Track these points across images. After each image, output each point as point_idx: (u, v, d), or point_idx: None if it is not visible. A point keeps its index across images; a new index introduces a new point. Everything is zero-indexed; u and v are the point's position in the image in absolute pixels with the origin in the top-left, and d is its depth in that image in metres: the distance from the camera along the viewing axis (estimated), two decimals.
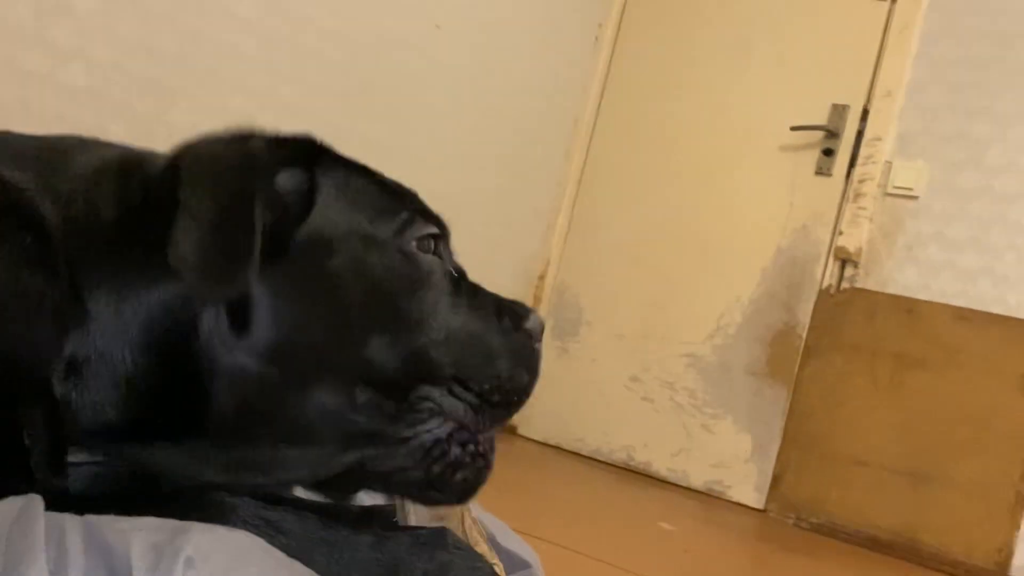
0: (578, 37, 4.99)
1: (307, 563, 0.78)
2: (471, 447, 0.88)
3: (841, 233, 4.28)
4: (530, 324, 0.94)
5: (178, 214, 0.74)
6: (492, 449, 0.92)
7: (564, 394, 4.84)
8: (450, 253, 0.96)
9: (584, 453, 4.75)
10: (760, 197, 4.51)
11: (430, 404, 0.86)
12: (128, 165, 0.85)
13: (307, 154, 0.87)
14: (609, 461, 4.68)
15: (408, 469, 0.86)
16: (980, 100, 4.08)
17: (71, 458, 0.80)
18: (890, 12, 4.30)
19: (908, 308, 4.13)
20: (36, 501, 0.68)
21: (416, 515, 0.92)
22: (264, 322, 0.79)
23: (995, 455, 3.89)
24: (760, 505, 4.31)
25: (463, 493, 0.90)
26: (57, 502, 0.77)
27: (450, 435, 0.87)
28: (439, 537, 0.88)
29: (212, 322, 0.79)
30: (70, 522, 0.64)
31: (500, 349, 0.90)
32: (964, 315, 4.03)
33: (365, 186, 0.89)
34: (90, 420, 0.79)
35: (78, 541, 0.63)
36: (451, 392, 0.87)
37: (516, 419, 4.85)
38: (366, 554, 0.84)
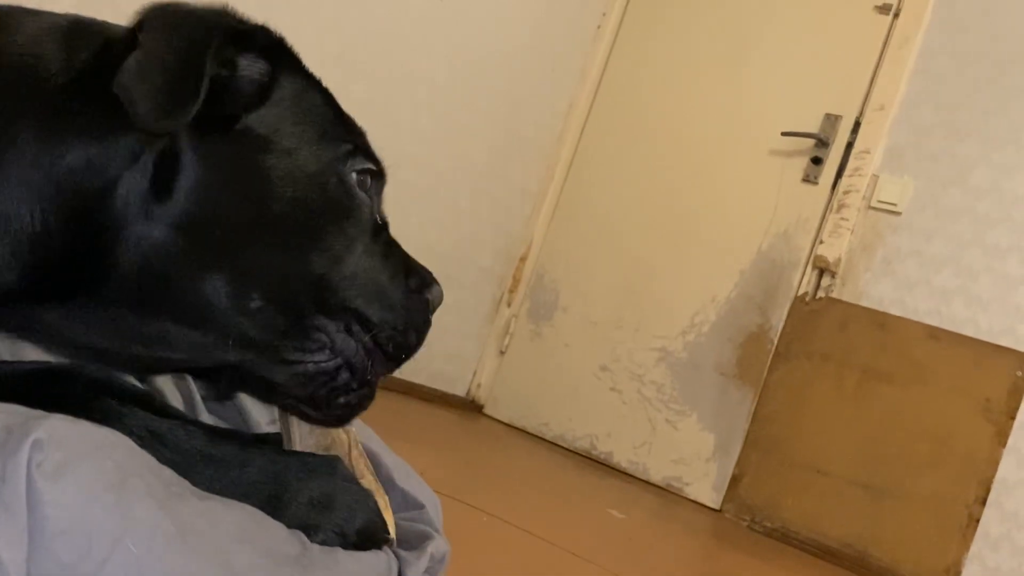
0: (581, 23, 4.99)
1: (188, 478, 0.78)
2: (358, 376, 0.88)
3: (822, 242, 4.29)
4: (431, 294, 0.94)
5: (134, 52, 0.75)
6: (376, 380, 0.92)
7: (533, 377, 4.86)
8: (380, 200, 0.96)
9: (547, 438, 4.76)
10: (745, 199, 4.51)
11: (323, 336, 0.85)
12: (80, 26, 0.85)
13: (275, 50, 0.87)
14: (572, 448, 4.69)
15: (290, 386, 0.86)
16: (971, 121, 4.09)
17: None
18: (892, 26, 4.30)
19: (881, 322, 4.14)
20: None
21: (302, 443, 0.92)
22: (184, 192, 0.79)
23: (952, 475, 3.90)
24: (716, 505, 4.32)
25: (342, 417, 0.90)
26: None
27: (337, 369, 0.87)
28: (328, 466, 0.88)
29: (134, 182, 0.78)
30: None
31: (400, 304, 0.90)
32: (935, 334, 4.04)
33: (321, 104, 0.88)
34: None
35: None
36: (348, 329, 0.86)
37: (483, 398, 4.87)
38: (252, 475, 0.84)
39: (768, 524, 4.17)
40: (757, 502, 4.24)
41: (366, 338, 0.87)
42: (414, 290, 0.92)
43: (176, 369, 0.89)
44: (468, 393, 4.95)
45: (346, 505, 0.88)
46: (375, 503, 0.90)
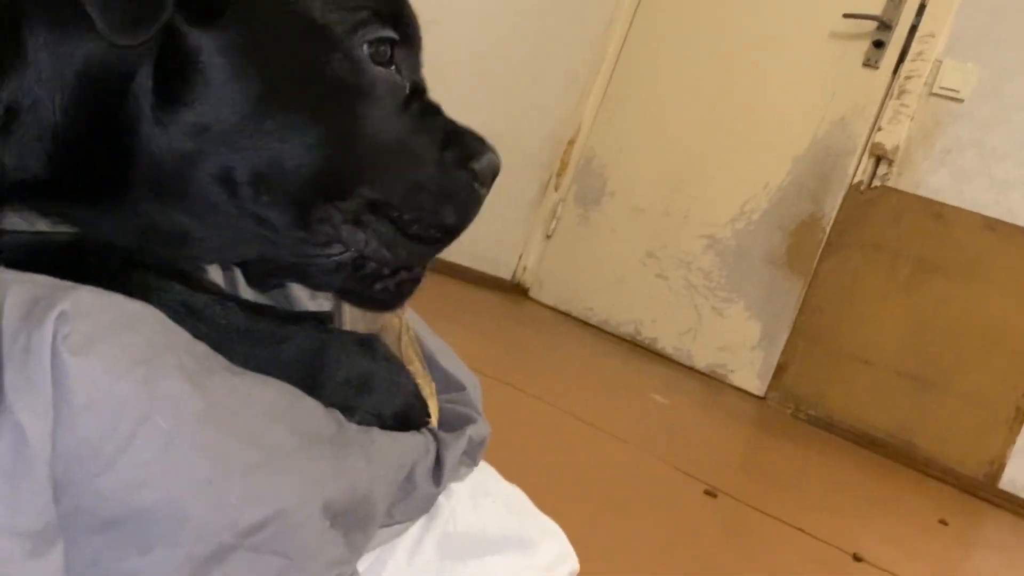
0: None
1: (223, 353, 0.76)
2: (383, 266, 0.82)
3: (880, 129, 4.17)
4: (479, 164, 0.85)
5: None
6: (416, 265, 0.86)
7: (579, 262, 4.83)
8: (413, 64, 0.88)
9: (592, 323, 4.75)
10: (802, 84, 4.38)
11: (328, 229, 0.79)
12: None
13: None
14: (616, 333, 4.68)
15: (319, 277, 0.82)
16: None
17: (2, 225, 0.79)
18: None
19: (936, 213, 4.04)
20: None
21: (352, 324, 0.90)
22: (189, 87, 0.75)
23: (1000, 368, 3.85)
24: (760, 393, 4.31)
25: (386, 303, 0.86)
26: None
27: (356, 260, 0.81)
28: (367, 345, 0.86)
29: (144, 77, 0.75)
30: None
31: (429, 180, 0.82)
32: (992, 226, 3.95)
33: None
34: (18, 174, 0.77)
35: None
36: (358, 220, 0.79)
37: (529, 282, 4.86)
38: (289, 352, 0.82)
39: (812, 412, 4.16)
40: (802, 391, 4.22)
41: (382, 226, 0.80)
42: (453, 163, 0.84)
43: (213, 264, 0.86)
44: (514, 276, 4.94)
45: (385, 387, 0.86)
46: (415, 386, 0.88)
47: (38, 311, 0.58)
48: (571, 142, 4.96)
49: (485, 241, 4.50)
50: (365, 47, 0.80)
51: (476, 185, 0.85)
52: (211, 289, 0.87)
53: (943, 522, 2.95)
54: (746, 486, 2.55)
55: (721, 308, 4.47)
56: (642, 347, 4.59)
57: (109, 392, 0.58)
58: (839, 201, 4.25)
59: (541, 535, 0.96)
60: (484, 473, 0.95)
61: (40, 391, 0.56)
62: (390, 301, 0.86)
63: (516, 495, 1.00)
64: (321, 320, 0.88)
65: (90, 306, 0.60)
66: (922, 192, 4.09)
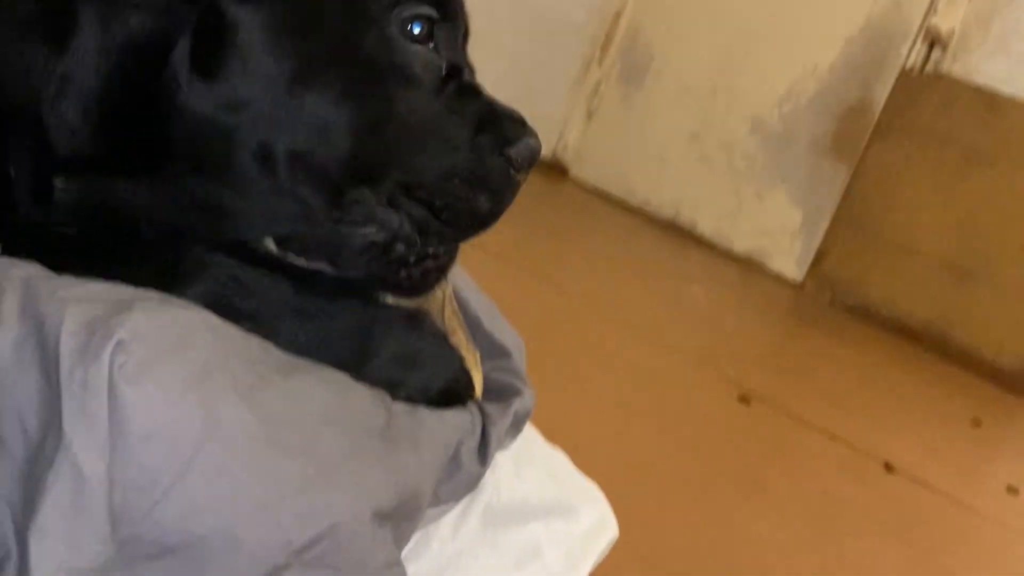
0: None
1: (272, 331, 0.76)
2: (414, 249, 0.81)
3: (936, 12, 4.04)
4: (515, 150, 0.81)
5: None
6: (447, 251, 0.85)
7: (621, 142, 4.77)
8: (454, 41, 0.85)
9: (632, 204, 4.71)
10: None
11: (363, 209, 0.77)
12: None
13: None
14: (655, 216, 4.65)
15: (349, 259, 0.82)
16: None
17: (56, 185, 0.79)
18: None
19: (989, 102, 3.93)
20: None
21: (394, 298, 0.90)
22: (225, 62, 0.74)
23: None
24: (799, 279, 4.30)
25: (410, 289, 0.85)
26: (37, 234, 0.77)
27: (388, 242, 0.80)
28: (415, 320, 0.86)
29: (181, 51, 0.74)
30: (9, 281, 0.63)
31: (459, 165, 0.80)
32: None
33: None
34: (66, 145, 0.77)
35: (14, 304, 0.61)
36: (390, 200, 0.78)
37: (568, 161, 4.81)
38: (337, 328, 0.82)
39: (850, 301, 4.14)
40: (840, 278, 4.20)
41: (416, 209, 0.79)
42: (488, 148, 0.81)
43: (256, 238, 0.85)
44: (553, 155, 4.89)
45: (431, 362, 0.86)
46: (460, 361, 0.88)
47: (95, 343, 0.58)
48: (617, 15, 4.83)
49: (525, 116, 4.42)
50: (401, 24, 0.77)
51: (511, 172, 0.83)
52: (267, 257, 0.86)
53: (976, 422, 2.97)
54: (780, 388, 2.56)
55: (763, 193, 4.43)
56: (681, 230, 4.57)
57: (166, 421, 0.59)
58: (890, 86, 4.14)
59: (582, 500, 0.97)
60: (526, 437, 0.96)
61: (98, 427, 0.56)
62: (416, 288, 0.85)
63: (558, 459, 1.01)
64: (368, 293, 0.88)
65: (145, 329, 0.61)
66: (976, 80, 3.98)
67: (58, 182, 0.80)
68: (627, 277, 3.34)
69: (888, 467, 2.17)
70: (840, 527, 1.86)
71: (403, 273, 0.82)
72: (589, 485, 1.01)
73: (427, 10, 0.77)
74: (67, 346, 0.58)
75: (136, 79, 0.75)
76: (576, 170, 4.89)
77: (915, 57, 4.09)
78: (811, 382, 2.81)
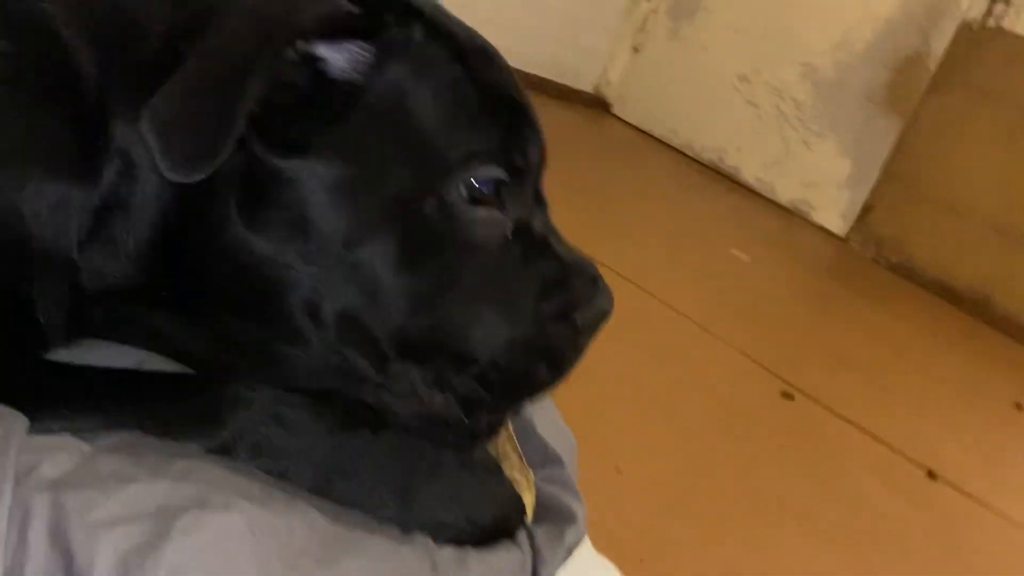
0: None
1: (311, 468, 0.72)
2: (456, 426, 0.75)
3: None
4: (583, 317, 0.75)
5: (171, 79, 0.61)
6: (498, 418, 0.78)
7: (666, 80, 4.63)
8: (526, 195, 0.75)
9: (674, 145, 4.60)
10: None
11: (404, 385, 0.72)
12: None
13: (378, 22, 0.69)
14: (698, 159, 4.54)
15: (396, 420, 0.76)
16: None
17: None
18: None
19: None
20: (15, 429, 0.61)
21: None
22: (266, 212, 0.68)
23: None
24: (843, 233, 4.20)
25: (458, 447, 0.79)
26: (67, 369, 0.71)
27: (430, 417, 0.74)
28: (464, 453, 0.81)
29: (228, 195, 0.68)
30: (38, 504, 0.57)
31: (519, 341, 0.73)
32: None
33: (440, 89, 0.69)
34: (101, 282, 0.72)
35: (43, 532, 0.56)
36: (437, 379, 0.72)
37: (611, 97, 4.68)
38: (381, 465, 0.77)
39: (893, 259, 4.05)
40: (886, 235, 4.10)
41: (465, 384, 0.73)
42: (553, 317, 0.75)
43: (284, 386, 0.79)
44: (596, 89, 4.76)
45: (479, 497, 0.80)
46: (511, 491, 0.83)
47: None
48: None
49: (568, 49, 4.30)
50: (463, 189, 0.70)
51: (578, 338, 0.76)
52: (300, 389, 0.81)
53: (1019, 406, 2.91)
54: (822, 374, 2.50)
55: (811, 142, 4.30)
56: (724, 175, 4.46)
57: None
58: (948, 39, 3.98)
59: None
60: (578, 556, 0.91)
61: None
62: (465, 445, 0.79)
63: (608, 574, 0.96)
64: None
65: (187, 558, 0.56)
66: None
67: (96, 312, 0.75)
68: (663, 232, 3.24)
69: (931, 475, 2.12)
70: (883, 538, 1.82)
71: (449, 437, 0.77)
72: None
73: (498, 172, 0.71)
74: None
75: (182, 209, 0.70)
76: (618, 108, 4.76)
77: (977, 10, 3.92)
78: (855, 367, 2.74)
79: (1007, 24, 3.87)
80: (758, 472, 1.87)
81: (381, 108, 0.68)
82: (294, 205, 0.68)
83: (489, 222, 0.71)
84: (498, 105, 0.72)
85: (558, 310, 0.75)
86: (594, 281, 0.77)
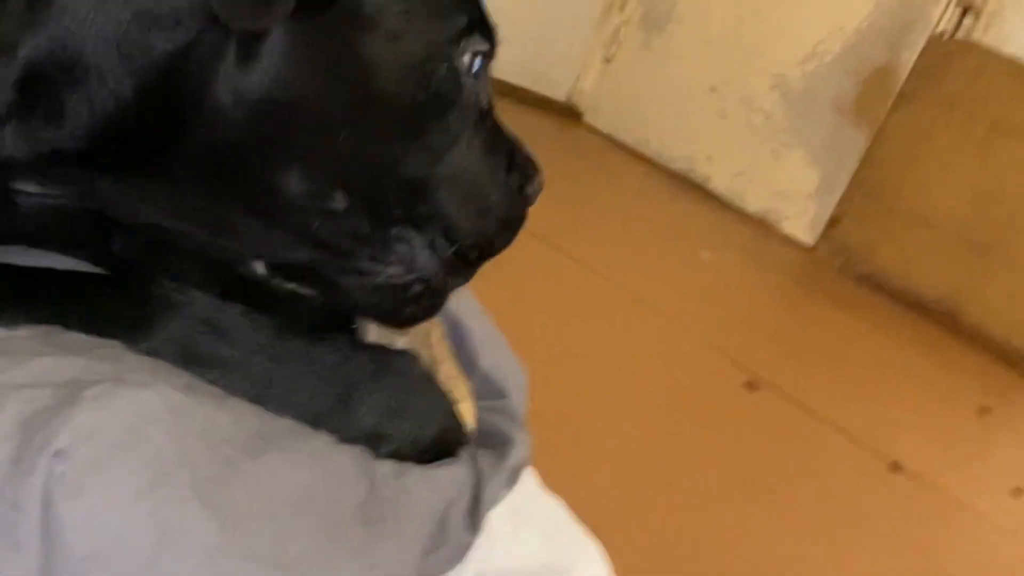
0: None
1: (245, 379, 0.70)
2: (432, 291, 0.76)
3: None
4: (531, 189, 0.80)
5: None
6: (450, 290, 0.80)
7: (638, 90, 4.64)
8: (487, 78, 0.79)
9: (645, 154, 4.60)
10: None
11: (405, 249, 0.73)
12: None
13: None
14: (669, 168, 4.54)
15: (355, 293, 0.75)
16: None
17: (19, 187, 0.71)
18: None
19: (1020, 72, 3.81)
20: None
21: (378, 330, 0.82)
22: (269, 68, 0.65)
23: None
24: (811, 242, 4.21)
25: (405, 323, 0.79)
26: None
27: (409, 283, 0.74)
28: (402, 363, 0.79)
29: (216, 47, 0.64)
30: None
31: (497, 207, 0.77)
32: None
33: None
34: (41, 144, 0.67)
35: None
36: (432, 244, 0.74)
37: (583, 106, 4.68)
38: (319, 374, 0.75)
39: (862, 269, 4.06)
40: (854, 244, 4.11)
41: (450, 251, 0.75)
42: (515, 188, 0.78)
43: (236, 258, 0.77)
44: (568, 98, 4.77)
45: (419, 411, 0.79)
46: (450, 406, 0.81)
47: (31, 452, 0.50)
48: None
49: (541, 58, 4.31)
50: (465, 57, 0.71)
51: (525, 209, 0.81)
52: (248, 281, 0.79)
53: (985, 409, 2.91)
54: (787, 368, 2.49)
55: (780, 152, 4.32)
56: (694, 184, 4.46)
57: (111, 537, 0.52)
58: (917, 51, 4.01)
59: (580, 561, 0.91)
60: (523, 490, 0.89)
61: (27, 555, 0.49)
62: (408, 323, 0.79)
63: (555, 513, 0.94)
64: (352, 329, 0.82)
65: (92, 427, 0.53)
66: (1008, 50, 3.85)
67: (24, 185, 0.72)
68: (633, 234, 3.25)
69: (895, 467, 2.11)
70: (843, 529, 1.81)
71: (408, 310, 0.77)
72: (587, 542, 0.94)
73: (485, 45, 0.73)
74: (1, 451, 0.51)
75: (154, 73, 0.64)
76: (590, 116, 4.77)
77: (946, 22, 3.95)
78: (820, 362, 2.73)
79: (976, 37, 3.90)
80: (719, 456, 1.86)
81: None
82: (309, 60, 0.66)
83: (473, 92, 0.73)
84: None
85: (518, 184, 0.79)
86: (534, 161, 0.81)
